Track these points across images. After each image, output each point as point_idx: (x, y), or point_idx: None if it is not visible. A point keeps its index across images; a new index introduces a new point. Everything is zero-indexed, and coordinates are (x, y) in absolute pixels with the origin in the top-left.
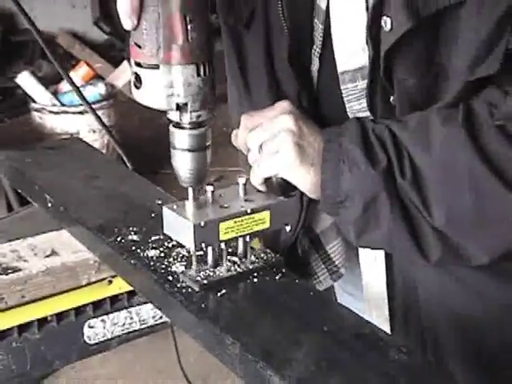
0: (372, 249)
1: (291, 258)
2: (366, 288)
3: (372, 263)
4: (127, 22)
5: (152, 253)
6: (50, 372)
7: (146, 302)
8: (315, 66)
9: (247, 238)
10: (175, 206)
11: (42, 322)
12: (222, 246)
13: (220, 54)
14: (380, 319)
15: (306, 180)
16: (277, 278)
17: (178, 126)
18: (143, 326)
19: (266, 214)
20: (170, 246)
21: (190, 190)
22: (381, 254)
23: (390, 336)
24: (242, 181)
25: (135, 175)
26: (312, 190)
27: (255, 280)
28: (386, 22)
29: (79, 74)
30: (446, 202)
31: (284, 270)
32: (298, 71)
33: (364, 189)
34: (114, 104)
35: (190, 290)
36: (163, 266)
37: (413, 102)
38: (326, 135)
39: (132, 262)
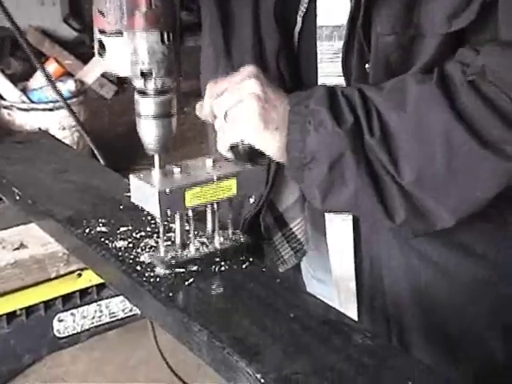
0: (337, 212)
1: (253, 234)
2: (333, 271)
3: (340, 246)
4: None
5: (120, 244)
6: (20, 367)
7: (115, 295)
8: (298, 26)
9: (215, 208)
10: (141, 175)
11: (11, 315)
12: (190, 215)
13: (189, 49)
14: (348, 303)
15: (271, 144)
16: (244, 266)
17: (142, 93)
18: (113, 319)
19: (232, 182)
20: (137, 236)
21: (156, 158)
22: (348, 231)
23: (355, 322)
24: (209, 161)
25: (104, 169)
26: (278, 155)
27: (222, 268)
28: None
29: (49, 70)
30: (415, 159)
31: (251, 257)
32: (281, 29)
33: (330, 148)
34: (84, 101)
35: (158, 279)
36: (131, 257)
37: (388, 67)
38: (293, 98)
39: (100, 253)
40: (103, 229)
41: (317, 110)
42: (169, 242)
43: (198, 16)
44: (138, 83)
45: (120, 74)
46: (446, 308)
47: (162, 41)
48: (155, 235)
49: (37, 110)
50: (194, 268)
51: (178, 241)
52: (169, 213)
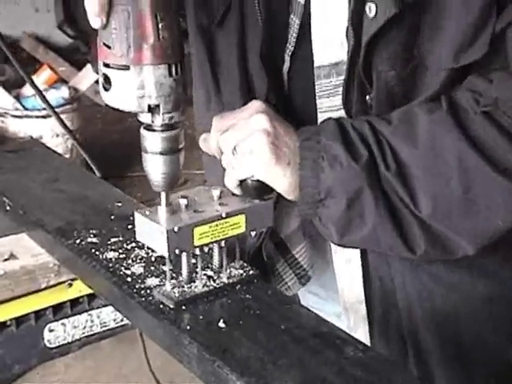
0: (353, 248)
1: (256, 263)
2: (341, 293)
3: (347, 267)
4: (96, 21)
5: (111, 255)
6: (10, 378)
7: (106, 305)
8: (286, 65)
9: (222, 244)
10: (147, 212)
11: (1, 326)
12: (197, 253)
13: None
14: (357, 327)
15: (282, 180)
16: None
17: (149, 128)
18: (104, 329)
19: (241, 218)
20: (128, 247)
21: (163, 195)
22: (356, 256)
23: (348, 334)
24: (216, 192)
25: (96, 178)
26: (289, 191)
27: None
28: (371, 8)
29: (42, 77)
30: (432, 190)
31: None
32: (269, 69)
33: (347, 184)
34: (78, 108)
35: (148, 291)
36: (122, 268)
37: (390, 100)
38: (302, 134)
39: (91, 264)
40: (94, 239)
41: (329, 145)
42: (174, 281)
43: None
44: (145, 118)
45: (126, 109)
46: (463, 327)
47: (170, 74)
48: (146, 246)
49: (30, 117)
50: (201, 305)
51: (184, 276)
52: (177, 252)
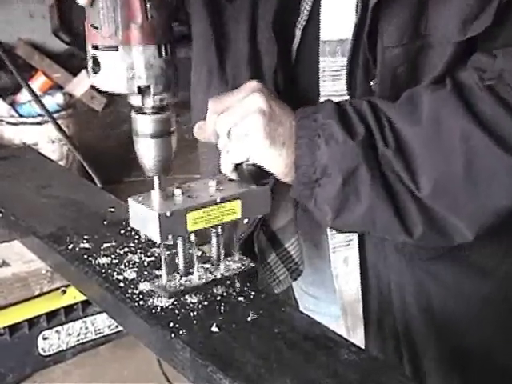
0: (348, 231)
1: (247, 254)
2: (339, 293)
3: (344, 266)
4: None
5: (104, 260)
6: None
7: (101, 312)
8: (296, 40)
9: (219, 231)
10: (140, 197)
11: None
12: (193, 240)
13: (183, 60)
14: (356, 324)
15: (277, 161)
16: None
17: (140, 111)
18: (99, 336)
19: (236, 204)
20: (121, 252)
21: (156, 179)
22: (353, 255)
23: (341, 336)
24: (212, 182)
25: (87, 183)
26: (285, 172)
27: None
28: None
29: (36, 84)
30: (433, 168)
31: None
32: (279, 42)
33: (343, 161)
34: (73, 114)
35: (141, 296)
36: (115, 274)
37: (395, 82)
38: (299, 113)
39: (83, 270)
40: (86, 245)
41: (326, 124)
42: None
43: (189, 27)
44: (135, 100)
45: (116, 91)
46: (459, 328)
47: (160, 54)
48: (139, 251)
49: (25, 123)
50: (196, 298)
51: (181, 268)
52: (170, 238)
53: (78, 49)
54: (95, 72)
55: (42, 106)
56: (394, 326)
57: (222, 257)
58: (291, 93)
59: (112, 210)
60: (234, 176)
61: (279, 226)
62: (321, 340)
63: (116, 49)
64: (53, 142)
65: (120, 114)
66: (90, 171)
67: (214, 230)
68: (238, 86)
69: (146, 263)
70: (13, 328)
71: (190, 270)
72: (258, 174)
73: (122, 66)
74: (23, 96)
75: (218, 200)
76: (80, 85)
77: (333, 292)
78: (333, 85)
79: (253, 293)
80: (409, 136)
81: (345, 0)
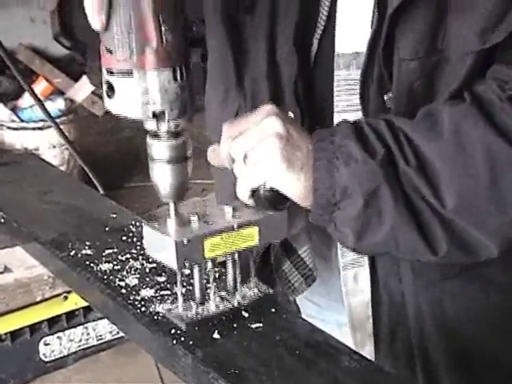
0: (370, 253)
1: (263, 265)
2: (349, 310)
3: (355, 284)
4: (96, 20)
5: (105, 266)
6: None
7: (102, 318)
8: (314, 49)
9: (236, 258)
10: (156, 224)
11: None
12: (209, 268)
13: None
14: (364, 341)
15: (295, 185)
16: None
17: (155, 136)
18: (100, 342)
19: (253, 230)
20: (123, 259)
21: (172, 206)
22: (364, 272)
23: (342, 344)
24: (228, 209)
25: (89, 189)
26: (302, 196)
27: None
28: None
29: (38, 89)
30: (456, 184)
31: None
32: (299, 52)
33: (363, 181)
34: (74, 119)
35: (143, 302)
36: (116, 280)
37: (411, 96)
38: (315, 136)
39: (85, 276)
40: (88, 251)
41: (344, 144)
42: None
43: (197, 31)
44: (150, 125)
45: (131, 117)
46: (475, 341)
47: (175, 79)
48: (141, 257)
49: (26, 128)
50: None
51: (197, 296)
52: (187, 265)
53: (79, 54)
54: (109, 97)
55: (45, 110)
56: (407, 339)
57: (238, 285)
58: (310, 102)
59: (114, 215)
60: (250, 202)
61: (293, 233)
62: (322, 347)
63: (130, 73)
64: (54, 147)
65: (121, 119)
66: (91, 177)
67: (230, 257)
68: (257, 101)
69: (147, 269)
70: (14, 334)
71: (206, 298)
72: (275, 199)
73: (137, 91)
74: (25, 101)
75: (235, 226)
76: (81, 90)
77: (337, 302)
78: (347, 99)
79: (254, 300)
80: (429, 152)
81: (361, 12)
